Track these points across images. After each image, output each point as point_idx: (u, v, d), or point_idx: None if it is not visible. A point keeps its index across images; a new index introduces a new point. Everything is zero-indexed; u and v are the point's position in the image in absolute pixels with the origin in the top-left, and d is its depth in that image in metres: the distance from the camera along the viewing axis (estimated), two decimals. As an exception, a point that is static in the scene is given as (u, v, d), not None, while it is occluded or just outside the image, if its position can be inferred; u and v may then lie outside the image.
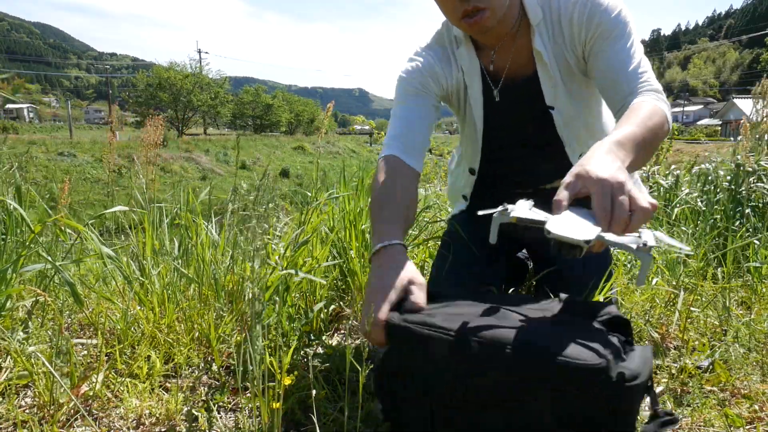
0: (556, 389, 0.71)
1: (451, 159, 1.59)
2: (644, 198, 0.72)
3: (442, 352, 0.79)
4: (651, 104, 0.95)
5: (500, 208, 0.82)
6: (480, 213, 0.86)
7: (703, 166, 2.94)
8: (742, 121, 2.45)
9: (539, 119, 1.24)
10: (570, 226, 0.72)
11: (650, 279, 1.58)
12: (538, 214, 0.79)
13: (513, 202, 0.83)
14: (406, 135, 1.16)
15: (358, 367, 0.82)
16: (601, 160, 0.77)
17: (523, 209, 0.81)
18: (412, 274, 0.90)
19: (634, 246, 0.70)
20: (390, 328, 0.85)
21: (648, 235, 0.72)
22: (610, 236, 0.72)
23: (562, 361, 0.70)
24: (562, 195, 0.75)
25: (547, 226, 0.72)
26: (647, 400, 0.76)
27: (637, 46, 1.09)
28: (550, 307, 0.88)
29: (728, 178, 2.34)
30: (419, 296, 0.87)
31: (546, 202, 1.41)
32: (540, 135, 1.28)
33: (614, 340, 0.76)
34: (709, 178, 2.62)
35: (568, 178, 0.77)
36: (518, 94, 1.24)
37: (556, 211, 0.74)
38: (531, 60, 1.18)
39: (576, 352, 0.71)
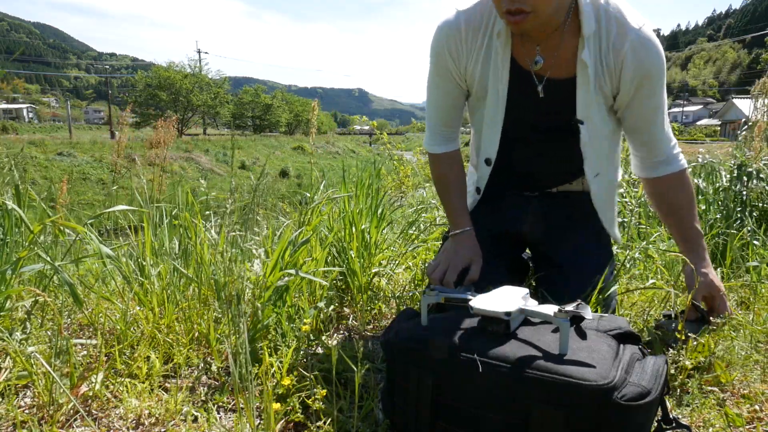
0: (562, 407, 0.68)
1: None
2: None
3: (443, 370, 0.79)
4: (689, 184, 1.25)
5: (428, 289, 0.95)
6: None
7: (698, 163, 2.92)
8: (743, 121, 2.44)
9: (564, 129, 1.22)
10: (492, 301, 0.83)
11: (648, 278, 1.58)
12: (467, 295, 0.92)
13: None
14: (444, 123, 1.36)
15: (354, 368, 0.82)
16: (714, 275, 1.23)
17: (454, 292, 0.95)
18: (475, 254, 1.27)
19: (551, 313, 0.78)
20: (390, 348, 0.88)
21: (586, 311, 0.81)
22: (530, 307, 0.83)
23: (564, 381, 0.67)
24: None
25: (471, 303, 0.83)
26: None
27: (665, 93, 1.19)
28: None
29: (728, 177, 2.34)
30: (475, 270, 1.24)
31: (552, 204, 1.39)
32: (560, 145, 1.27)
33: (626, 354, 0.73)
34: (703, 177, 2.61)
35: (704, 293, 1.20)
36: (560, 94, 1.21)
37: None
38: (571, 66, 1.16)
39: (581, 371, 0.67)
